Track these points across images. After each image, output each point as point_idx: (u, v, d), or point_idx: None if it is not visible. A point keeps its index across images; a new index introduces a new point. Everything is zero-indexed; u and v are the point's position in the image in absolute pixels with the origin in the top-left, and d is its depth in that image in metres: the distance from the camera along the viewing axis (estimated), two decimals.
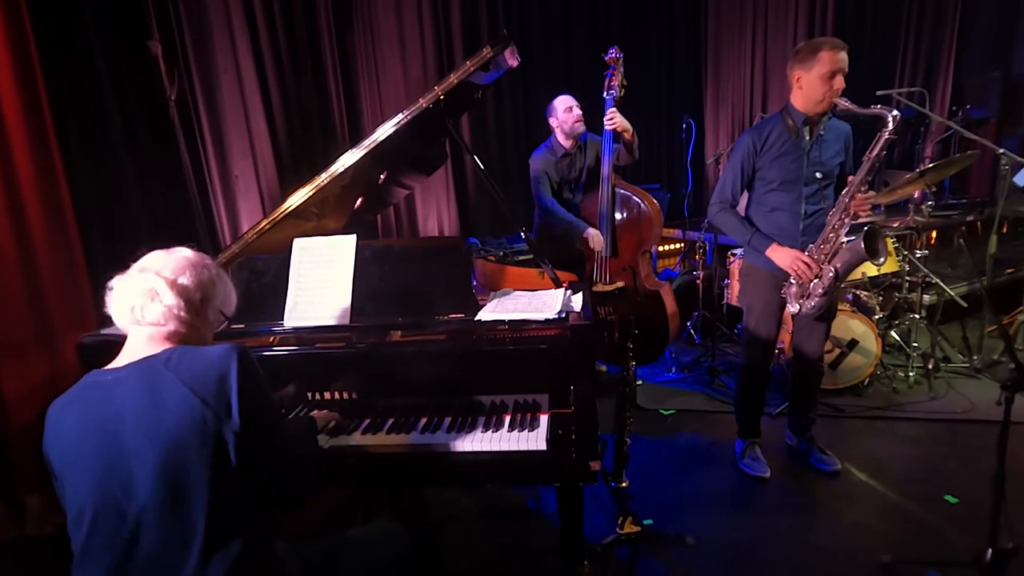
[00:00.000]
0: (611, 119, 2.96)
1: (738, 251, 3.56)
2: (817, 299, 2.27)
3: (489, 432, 1.61)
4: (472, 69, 1.88)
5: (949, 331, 3.68)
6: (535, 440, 1.56)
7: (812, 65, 2.15)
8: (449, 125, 1.99)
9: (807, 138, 2.26)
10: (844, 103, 2.14)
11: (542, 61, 4.71)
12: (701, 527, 2.28)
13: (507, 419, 1.65)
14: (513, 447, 1.56)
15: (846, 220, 2.18)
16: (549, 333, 1.67)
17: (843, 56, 2.14)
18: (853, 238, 2.19)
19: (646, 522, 2.30)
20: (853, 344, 3.10)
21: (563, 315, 1.70)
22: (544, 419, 1.64)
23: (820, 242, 2.24)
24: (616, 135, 3.00)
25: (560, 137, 3.19)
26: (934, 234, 4.65)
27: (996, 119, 5.57)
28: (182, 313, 1.22)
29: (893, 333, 3.44)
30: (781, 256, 2.29)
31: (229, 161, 3.85)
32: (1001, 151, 3.05)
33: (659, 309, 3.11)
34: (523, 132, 4.61)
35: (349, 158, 2.00)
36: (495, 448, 1.57)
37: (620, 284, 3.12)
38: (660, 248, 5.01)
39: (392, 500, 2.12)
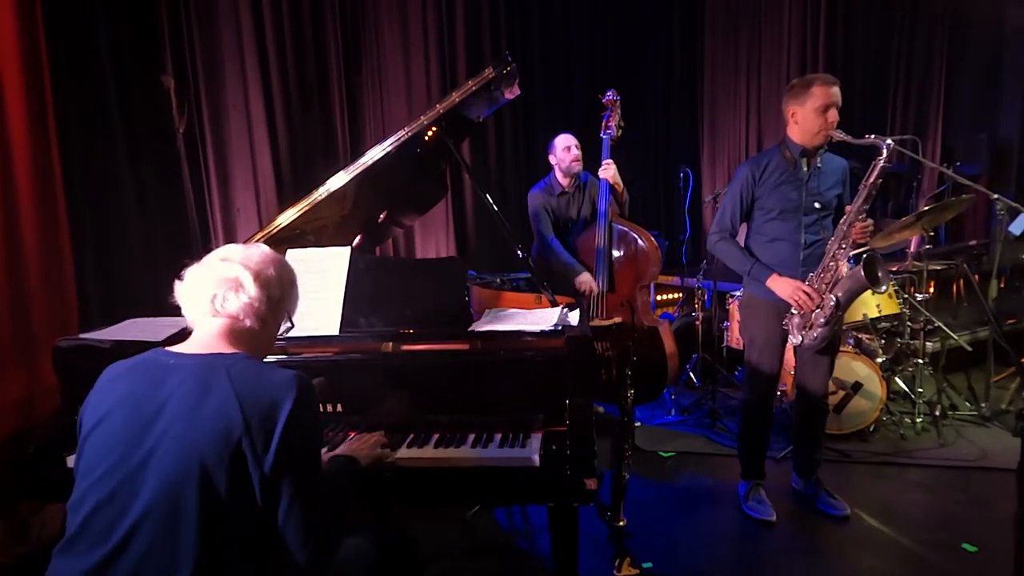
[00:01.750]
0: (605, 169, 3.02)
1: (737, 293, 3.53)
2: (820, 329, 2.22)
3: (478, 448, 1.52)
4: (474, 88, 1.92)
5: (954, 381, 3.60)
6: (527, 456, 1.48)
7: (806, 100, 2.20)
8: (450, 144, 2.01)
9: (804, 169, 2.28)
10: (839, 135, 2.17)
11: (543, 103, 4.84)
12: (703, 571, 2.14)
13: (498, 436, 1.57)
14: (503, 463, 1.48)
15: (845, 248, 2.17)
16: (544, 345, 1.61)
17: (836, 91, 2.19)
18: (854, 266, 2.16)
19: (645, 565, 2.16)
20: (857, 387, 3.02)
21: (559, 327, 1.65)
22: (537, 436, 1.56)
23: (820, 271, 2.22)
24: (609, 187, 3.05)
25: (558, 175, 3.23)
26: (932, 285, 4.64)
27: (986, 177, 5.68)
28: (262, 307, 1.16)
29: (897, 379, 3.36)
30: (781, 286, 2.26)
31: (232, 194, 3.88)
32: (996, 196, 3.08)
33: (657, 346, 3.05)
34: (523, 170, 4.67)
35: (346, 175, 2.00)
36: (484, 464, 1.48)
37: (617, 320, 3.07)
38: (658, 297, 4.98)
39: (374, 519, 1.99)
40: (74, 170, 2.76)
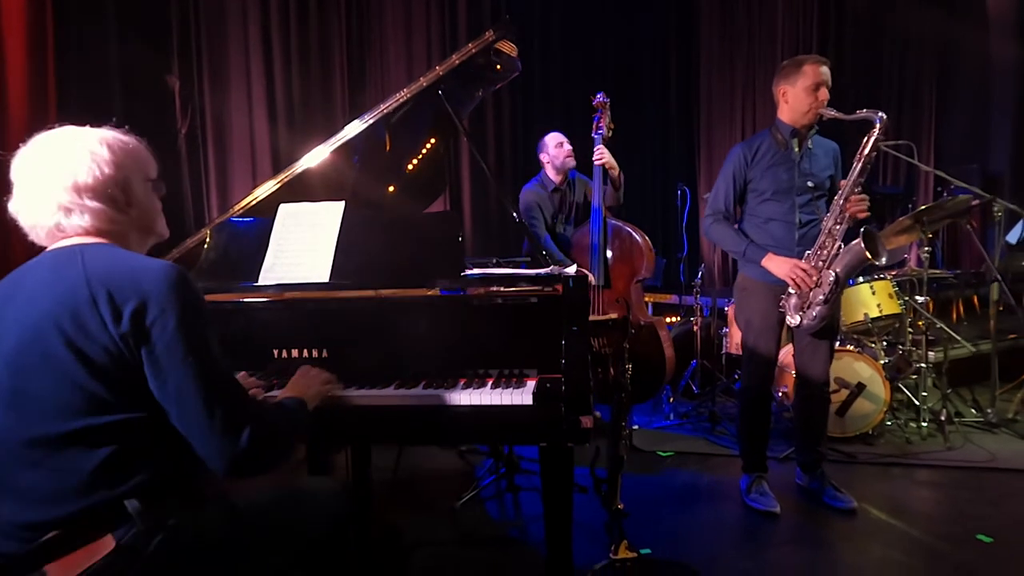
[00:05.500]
0: (599, 156, 3.05)
1: None
2: (818, 308, 2.18)
3: (470, 390, 1.46)
4: (474, 51, 1.93)
5: (956, 396, 3.51)
6: (520, 396, 1.42)
7: (797, 79, 2.23)
8: (448, 107, 2.00)
9: (796, 149, 2.29)
10: (830, 112, 2.19)
11: (542, 127, 4.93)
12: (705, 558, 2.01)
13: (490, 382, 1.51)
14: (496, 402, 1.41)
15: (842, 225, 2.15)
16: (539, 289, 1.57)
17: (826, 70, 2.22)
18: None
19: (643, 551, 2.04)
20: (861, 387, 2.95)
21: (555, 272, 1.61)
22: (531, 383, 1.49)
23: (817, 248, 2.19)
24: (604, 174, 3.08)
25: (550, 172, 3.27)
26: (932, 305, 4.61)
27: (978, 209, 5.74)
28: (114, 215, 1.05)
29: (901, 386, 3.28)
30: (778, 265, 2.23)
31: (231, 196, 3.89)
32: (992, 197, 3.10)
33: (654, 340, 2.99)
34: (521, 174, 4.69)
35: (336, 142, 1.99)
36: (476, 403, 1.42)
37: (613, 316, 3.02)
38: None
39: (354, 463, 1.89)
40: None
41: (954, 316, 4.78)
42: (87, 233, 1.04)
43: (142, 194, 1.09)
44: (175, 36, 3.60)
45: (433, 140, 2.31)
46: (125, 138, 1.09)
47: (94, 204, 1.03)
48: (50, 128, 1.06)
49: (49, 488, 0.95)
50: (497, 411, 1.41)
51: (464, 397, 1.42)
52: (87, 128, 1.06)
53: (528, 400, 1.40)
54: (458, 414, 1.42)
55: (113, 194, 1.04)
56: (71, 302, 0.96)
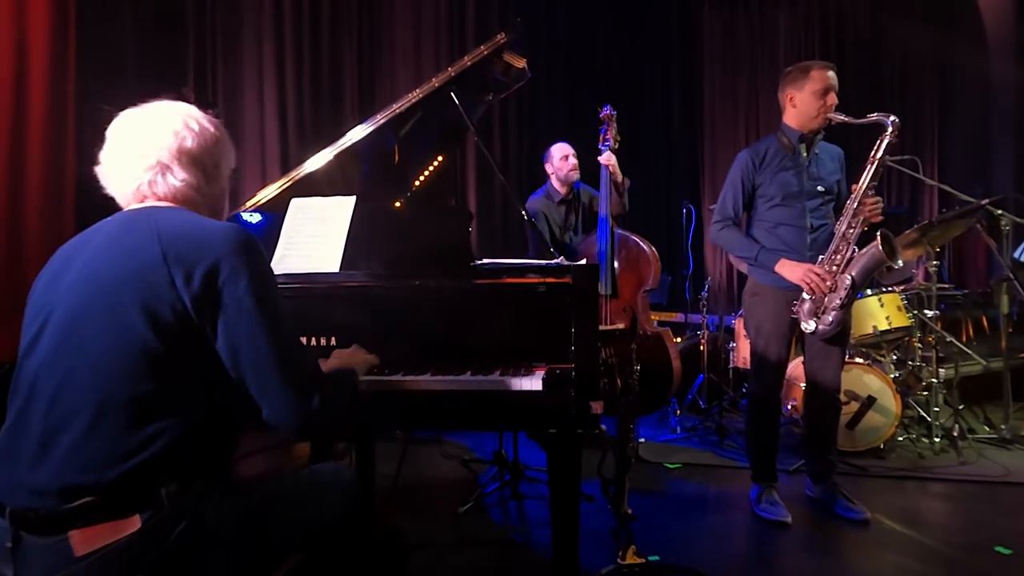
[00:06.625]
0: (608, 157, 3.07)
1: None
2: (835, 313, 2.15)
3: (479, 376, 1.44)
4: (486, 52, 1.96)
5: (967, 414, 3.46)
6: (530, 382, 1.40)
7: (804, 83, 2.25)
8: (458, 105, 2.02)
9: (804, 154, 2.30)
10: (839, 117, 2.20)
11: (546, 118, 4.98)
12: (714, 566, 1.96)
13: (498, 372, 1.49)
14: (505, 387, 1.39)
15: (855, 228, 2.15)
16: (549, 279, 1.56)
17: (833, 75, 2.25)
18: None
19: (651, 558, 1.99)
20: (871, 401, 2.91)
21: (563, 263, 1.61)
22: (540, 372, 1.47)
23: (831, 253, 2.18)
24: (608, 183, 3.10)
25: (556, 184, 3.30)
26: (940, 324, 4.57)
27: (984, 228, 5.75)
28: (202, 185, 1.10)
29: (912, 402, 3.23)
30: (791, 270, 2.21)
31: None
32: (1000, 212, 3.10)
33: (661, 350, 2.97)
34: (526, 180, 4.71)
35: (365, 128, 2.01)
36: (485, 388, 1.40)
37: (620, 325, 3.01)
38: None
39: (357, 463, 1.85)
40: (85, 178, 2.80)
41: (963, 336, 4.74)
42: (173, 199, 1.08)
43: (225, 176, 1.17)
44: (191, 51, 3.67)
45: (441, 157, 2.33)
46: (222, 129, 1.17)
47: (190, 169, 1.08)
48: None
49: (91, 454, 0.93)
50: (506, 397, 1.39)
51: (473, 384, 1.41)
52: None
53: (538, 385, 1.38)
54: (467, 399, 1.40)
55: (207, 165, 1.11)
56: (141, 258, 0.97)
